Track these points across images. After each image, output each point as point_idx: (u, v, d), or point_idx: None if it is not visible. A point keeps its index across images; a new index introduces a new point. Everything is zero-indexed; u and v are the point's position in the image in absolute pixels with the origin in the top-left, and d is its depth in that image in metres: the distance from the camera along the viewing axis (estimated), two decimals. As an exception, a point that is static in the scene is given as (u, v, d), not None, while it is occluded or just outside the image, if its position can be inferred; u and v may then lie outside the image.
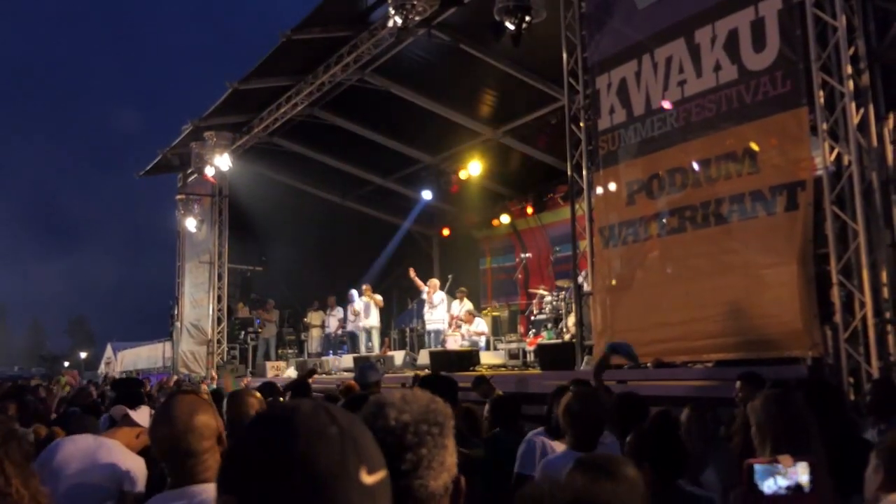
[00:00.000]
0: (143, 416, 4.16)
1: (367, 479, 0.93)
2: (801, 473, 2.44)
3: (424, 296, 14.70)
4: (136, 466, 3.74)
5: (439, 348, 13.97)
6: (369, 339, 16.05)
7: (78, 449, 3.78)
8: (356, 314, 16.27)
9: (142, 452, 3.89)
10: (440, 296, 14.69)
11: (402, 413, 1.41)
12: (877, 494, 2.38)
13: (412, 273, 15.50)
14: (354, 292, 16.57)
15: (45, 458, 3.77)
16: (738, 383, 5.36)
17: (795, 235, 6.82)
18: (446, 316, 14.65)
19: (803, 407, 3.07)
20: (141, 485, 3.66)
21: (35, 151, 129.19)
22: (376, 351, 15.47)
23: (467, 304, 14.94)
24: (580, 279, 11.19)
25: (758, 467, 2.42)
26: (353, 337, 16.60)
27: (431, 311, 14.57)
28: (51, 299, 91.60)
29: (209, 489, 2.13)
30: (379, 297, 15.98)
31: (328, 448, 0.93)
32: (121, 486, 3.65)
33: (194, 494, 2.13)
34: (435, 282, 14.86)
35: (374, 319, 15.97)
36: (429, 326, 14.60)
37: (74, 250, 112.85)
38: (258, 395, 4.04)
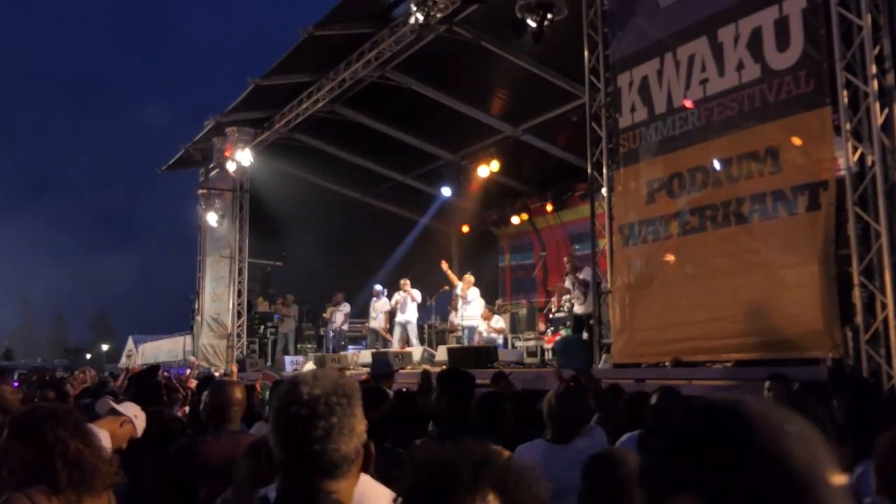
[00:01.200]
0: (128, 409, 4.22)
1: (836, 479, 0.88)
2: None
3: (459, 291, 14.66)
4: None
5: (458, 345, 14.01)
6: (404, 332, 16.01)
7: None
8: (385, 310, 16.27)
9: (129, 442, 4.00)
10: (475, 292, 14.66)
11: (313, 388, 1.62)
12: (875, 499, 2.38)
13: (445, 266, 15.45)
14: (379, 287, 16.60)
15: None
16: (766, 383, 5.35)
17: (817, 236, 6.77)
18: (481, 312, 14.68)
19: (816, 408, 3.06)
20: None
21: (58, 148, 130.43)
22: (416, 345, 15.41)
23: (479, 302, 14.96)
24: (581, 275, 11.22)
25: None
26: (375, 332, 16.62)
27: (465, 307, 14.55)
28: (74, 293, 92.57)
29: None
30: (416, 292, 15.95)
31: (798, 445, 0.88)
32: None
33: None
34: (470, 277, 14.79)
35: (410, 314, 15.96)
36: (463, 322, 14.57)
37: (98, 245, 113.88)
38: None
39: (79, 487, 2.23)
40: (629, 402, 4.87)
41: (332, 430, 1.58)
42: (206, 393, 3.89)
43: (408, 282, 16.04)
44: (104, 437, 3.89)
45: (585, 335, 10.51)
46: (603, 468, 2.61)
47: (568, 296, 12.67)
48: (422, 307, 15.89)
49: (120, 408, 4.21)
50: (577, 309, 12.36)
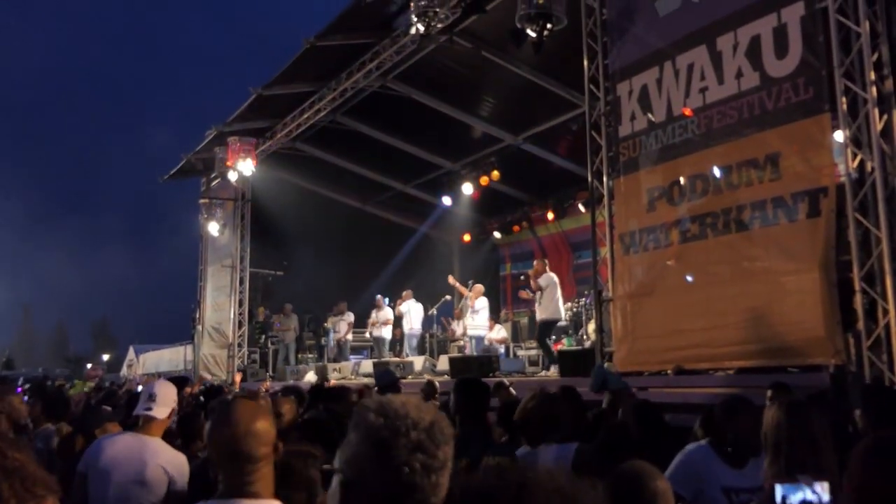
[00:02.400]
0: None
1: None
2: (822, 493, 2.43)
3: (467, 301, 14.66)
4: (181, 463, 3.82)
5: (460, 354, 14.00)
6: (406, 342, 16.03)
7: (125, 447, 3.84)
8: (386, 321, 16.31)
9: None
10: (483, 301, 14.66)
11: (423, 414, 1.45)
12: None
13: (452, 280, 15.49)
14: (380, 297, 16.64)
15: (90, 459, 3.84)
16: (768, 392, 5.35)
17: (817, 242, 6.78)
18: (488, 322, 14.67)
19: (820, 421, 3.04)
20: (185, 481, 3.72)
21: (58, 157, 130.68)
22: (410, 355, 15.43)
23: (488, 312, 14.96)
24: (541, 281, 11.29)
25: (783, 486, 2.40)
26: (378, 342, 16.61)
27: (473, 317, 14.51)
28: (75, 302, 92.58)
29: None
30: (418, 305, 16.03)
31: None
32: (169, 483, 3.72)
33: None
34: (479, 287, 14.80)
35: (417, 324, 16.01)
36: (470, 332, 14.54)
37: (98, 253, 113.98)
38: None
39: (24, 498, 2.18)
40: (633, 410, 4.85)
41: (448, 461, 1.43)
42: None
43: (410, 292, 16.08)
44: (162, 445, 3.86)
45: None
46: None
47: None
48: (423, 317, 15.93)
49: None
50: (538, 315, 12.53)
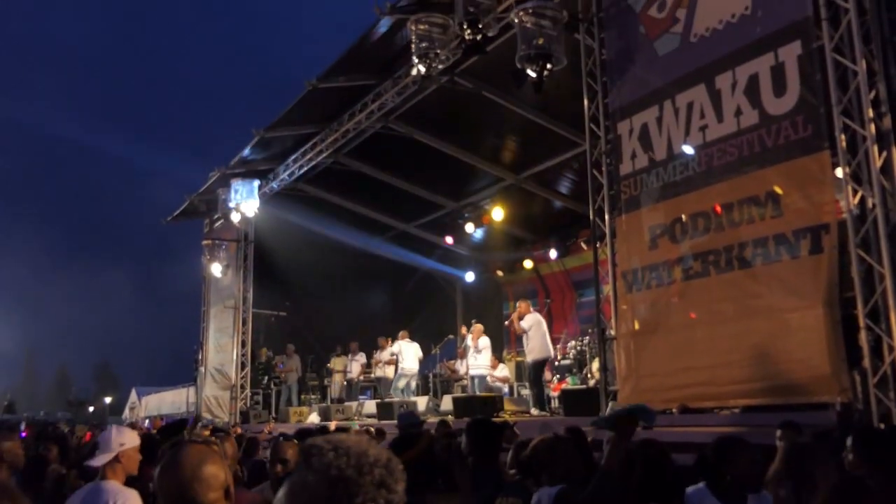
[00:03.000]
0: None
1: None
2: None
3: (469, 342, 14.57)
4: (130, 497, 3.83)
5: (464, 394, 13.90)
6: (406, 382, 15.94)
7: (75, 498, 3.92)
8: (389, 362, 16.25)
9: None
10: (485, 340, 14.59)
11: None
12: None
13: (464, 331, 15.41)
14: (383, 339, 16.60)
15: None
16: (778, 432, 5.30)
17: (820, 279, 6.76)
18: (490, 361, 14.60)
19: (823, 457, 3.01)
20: None
21: (60, 201, 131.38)
22: (403, 396, 15.34)
23: (490, 351, 14.89)
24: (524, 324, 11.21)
25: None
26: (381, 382, 16.53)
27: (476, 357, 14.44)
28: (77, 344, 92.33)
29: None
30: (415, 345, 15.99)
31: None
32: None
33: None
34: (479, 327, 14.74)
35: (410, 363, 15.93)
36: (472, 371, 14.45)
37: (100, 295, 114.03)
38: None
39: None
40: (637, 449, 4.79)
41: (403, 497, 1.44)
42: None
43: (405, 333, 16.02)
44: (113, 486, 3.90)
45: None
46: None
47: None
48: (419, 357, 15.86)
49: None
50: (527, 357, 12.55)
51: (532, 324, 12.39)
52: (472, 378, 14.49)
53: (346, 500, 1.34)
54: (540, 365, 12.47)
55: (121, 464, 4.07)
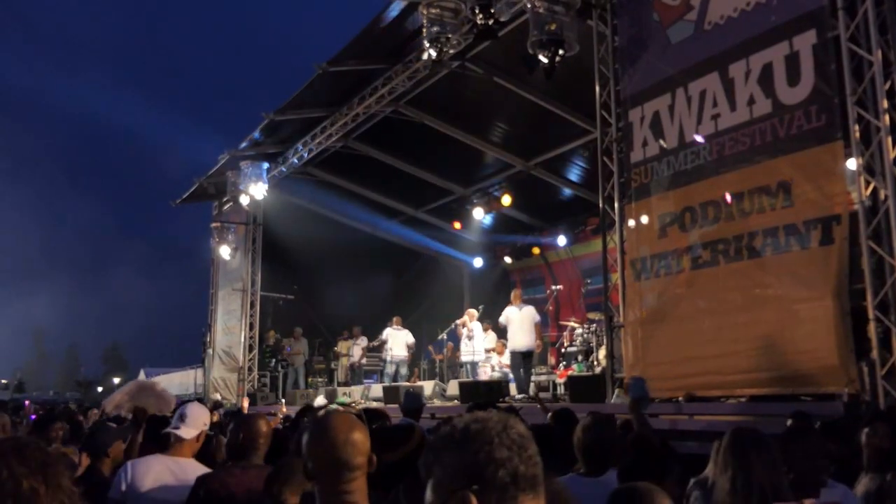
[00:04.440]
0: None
1: None
2: None
3: (460, 327, 14.62)
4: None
5: (470, 379, 13.94)
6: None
7: (166, 471, 3.78)
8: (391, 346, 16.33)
9: None
10: (478, 326, 14.64)
11: None
12: None
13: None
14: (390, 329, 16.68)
15: (128, 485, 3.74)
16: (789, 422, 5.31)
17: (830, 270, 6.74)
18: (482, 346, 14.63)
19: (820, 445, 3.02)
20: None
21: (68, 182, 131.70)
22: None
23: (491, 336, 14.92)
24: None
25: None
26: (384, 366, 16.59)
27: (467, 342, 14.49)
28: (86, 326, 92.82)
29: None
30: (407, 333, 16.10)
31: None
32: None
33: None
34: (473, 312, 14.78)
35: (398, 350, 16.02)
36: (464, 357, 14.54)
37: (110, 277, 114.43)
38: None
39: None
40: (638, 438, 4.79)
41: None
42: (232, 426, 3.89)
43: (398, 319, 16.10)
44: (193, 463, 3.84)
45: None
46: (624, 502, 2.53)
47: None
48: (410, 343, 16.00)
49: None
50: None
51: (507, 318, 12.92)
52: (464, 364, 14.56)
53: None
54: (516, 355, 12.79)
55: (198, 443, 4.03)
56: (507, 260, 20.30)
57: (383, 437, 3.71)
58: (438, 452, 1.40)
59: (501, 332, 14.29)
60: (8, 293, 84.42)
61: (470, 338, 14.44)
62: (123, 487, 3.72)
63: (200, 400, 7.34)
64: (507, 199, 16.65)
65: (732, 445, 2.98)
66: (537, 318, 12.85)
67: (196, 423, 3.97)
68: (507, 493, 1.34)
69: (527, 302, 13.52)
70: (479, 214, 17.55)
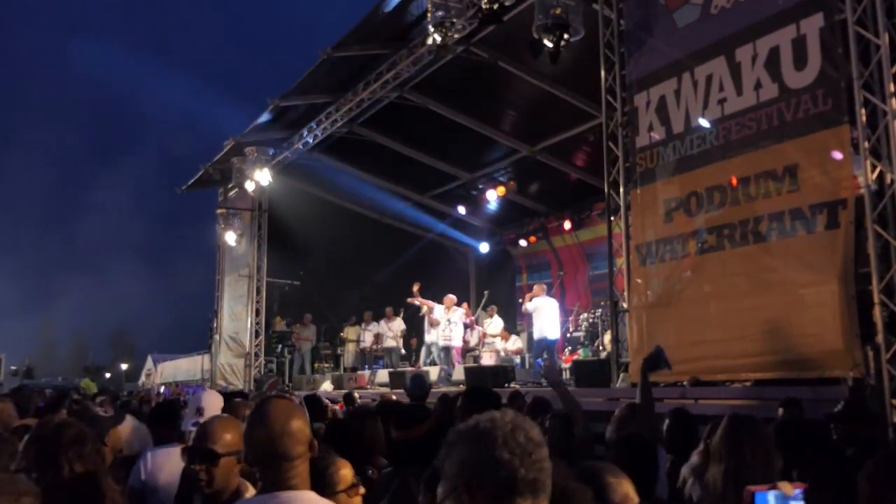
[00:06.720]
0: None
1: None
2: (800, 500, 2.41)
3: (442, 313, 14.39)
4: None
5: (474, 364, 13.98)
6: (429, 352, 15.95)
7: (180, 462, 3.80)
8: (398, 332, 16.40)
9: None
10: (459, 313, 14.45)
11: None
12: None
13: (416, 288, 15.25)
14: (390, 309, 16.71)
15: (147, 475, 3.74)
16: (780, 410, 5.34)
17: (836, 254, 6.74)
18: (441, 334, 14.37)
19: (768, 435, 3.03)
20: None
21: (74, 166, 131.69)
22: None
23: (497, 322, 14.91)
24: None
25: (763, 493, 2.38)
26: (389, 352, 16.63)
27: (447, 328, 14.23)
28: (94, 312, 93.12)
29: (298, 497, 2.17)
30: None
31: None
32: None
33: (285, 501, 2.15)
34: (452, 297, 14.56)
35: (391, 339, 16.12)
36: (441, 343, 14.28)
37: (117, 263, 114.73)
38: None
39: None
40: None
41: None
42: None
43: (391, 309, 16.20)
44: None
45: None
46: None
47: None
48: (420, 327, 15.93)
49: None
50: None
51: (536, 307, 13.18)
52: (437, 347, 14.37)
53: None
54: (539, 344, 13.13)
55: None
56: (513, 245, 20.31)
57: (401, 414, 3.75)
58: (451, 447, 1.42)
59: (507, 319, 14.33)
60: (19, 278, 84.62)
61: (451, 323, 14.13)
62: (143, 476, 3.75)
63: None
64: (512, 185, 16.72)
65: (728, 434, 2.99)
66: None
67: (214, 412, 3.91)
68: (503, 495, 1.35)
69: (531, 287, 13.63)
70: (485, 199, 17.56)
